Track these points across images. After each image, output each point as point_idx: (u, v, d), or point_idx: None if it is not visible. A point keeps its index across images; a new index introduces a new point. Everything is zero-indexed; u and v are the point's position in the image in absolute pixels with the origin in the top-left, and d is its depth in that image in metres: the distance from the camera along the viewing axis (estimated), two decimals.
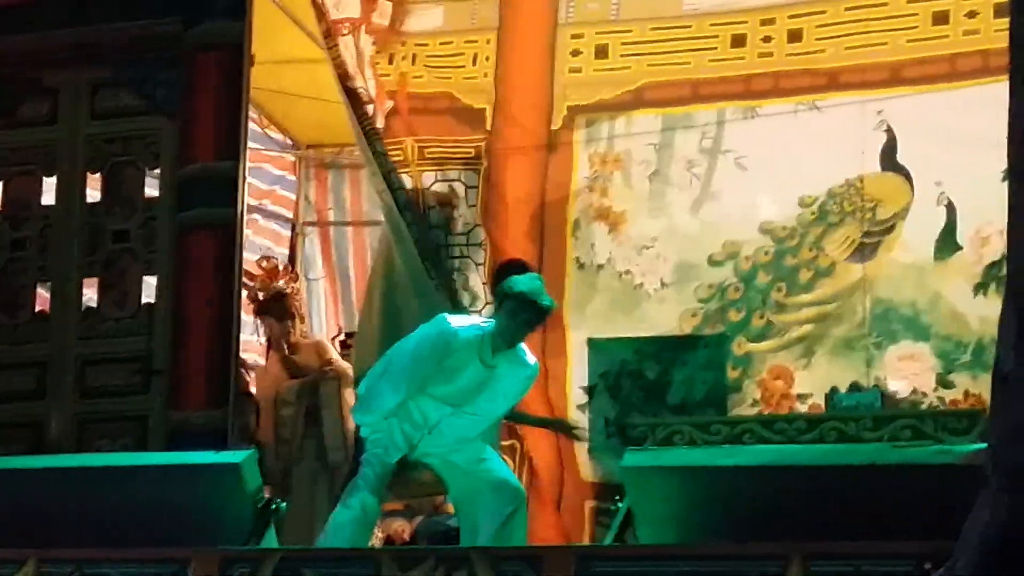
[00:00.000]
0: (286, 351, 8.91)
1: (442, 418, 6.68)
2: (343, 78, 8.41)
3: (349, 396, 8.86)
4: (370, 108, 8.45)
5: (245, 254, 8.49)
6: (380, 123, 8.50)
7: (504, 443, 8.08)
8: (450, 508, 8.28)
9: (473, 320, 6.98)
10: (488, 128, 8.55)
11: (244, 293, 8.76)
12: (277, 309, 8.97)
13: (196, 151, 8.21)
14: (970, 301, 7.77)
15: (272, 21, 8.70)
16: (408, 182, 8.50)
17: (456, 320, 6.77)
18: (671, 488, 5.79)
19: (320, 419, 8.76)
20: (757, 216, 8.19)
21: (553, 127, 8.50)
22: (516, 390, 6.89)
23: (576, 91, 8.51)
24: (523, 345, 6.79)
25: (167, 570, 5.72)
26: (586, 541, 7.84)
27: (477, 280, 8.46)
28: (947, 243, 7.87)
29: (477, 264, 8.48)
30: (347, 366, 9.00)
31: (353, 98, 8.42)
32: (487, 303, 8.28)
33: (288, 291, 9.13)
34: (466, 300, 8.42)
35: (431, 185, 8.56)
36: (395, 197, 8.39)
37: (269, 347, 9.20)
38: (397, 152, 8.51)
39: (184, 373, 8.04)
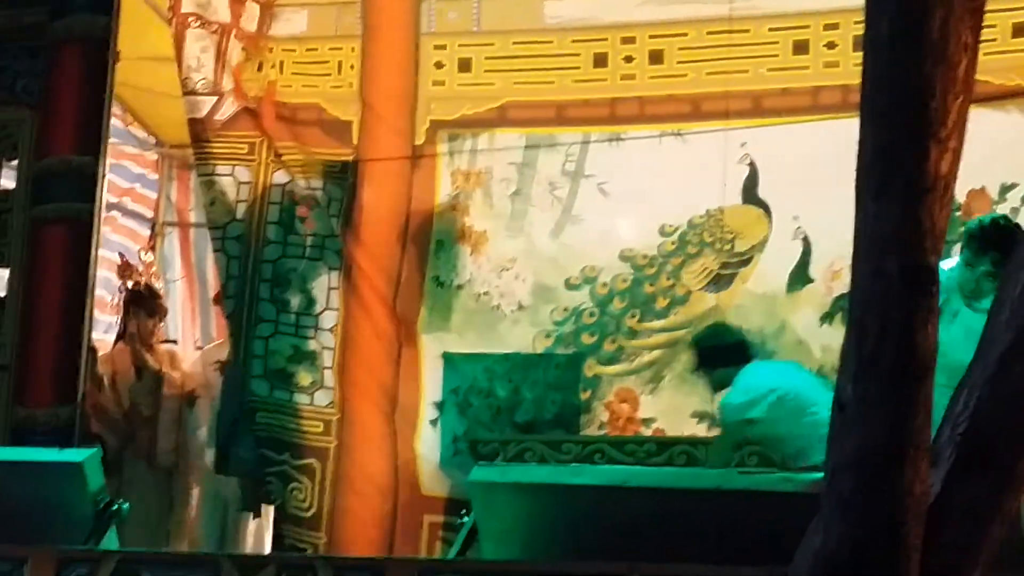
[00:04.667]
0: (138, 346, 8.92)
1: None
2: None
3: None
4: (209, 101, 8.40)
5: (102, 251, 8.40)
6: (226, 115, 8.43)
7: (300, 462, 8.14)
8: None
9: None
10: (355, 143, 8.47)
11: (122, 284, 8.95)
12: (149, 305, 8.98)
13: (56, 144, 8.08)
14: (815, 330, 7.87)
15: (139, 16, 8.59)
16: (247, 176, 8.47)
17: None
18: (517, 505, 5.80)
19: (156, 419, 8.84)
20: (618, 242, 8.22)
21: (417, 141, 8.44)
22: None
23: (440, 105, 8.45)
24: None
25: (2, 568, 5.62)
26: (424, 555, 7.86)
27: (324, 284, 8.37)
28: (799, 277, 7.97)
29: (331, 268, 8.40)
30: (204, 382, 9.06)
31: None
32: (325, 308, 8.29)
33: (162, 290, 9.19)
34: (301, 303, 8.39)
35: (285, 185, 8.49)
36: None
37: (121, 338, 9.14)
38: (242, 146, 8.46)
39: (32, 369, 7.91)
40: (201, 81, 8.40)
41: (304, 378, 8.23)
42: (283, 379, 8.29)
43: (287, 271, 8.37)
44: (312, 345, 8.29)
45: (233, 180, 8.46)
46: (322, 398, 8.25)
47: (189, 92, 8.43)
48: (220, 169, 8.45)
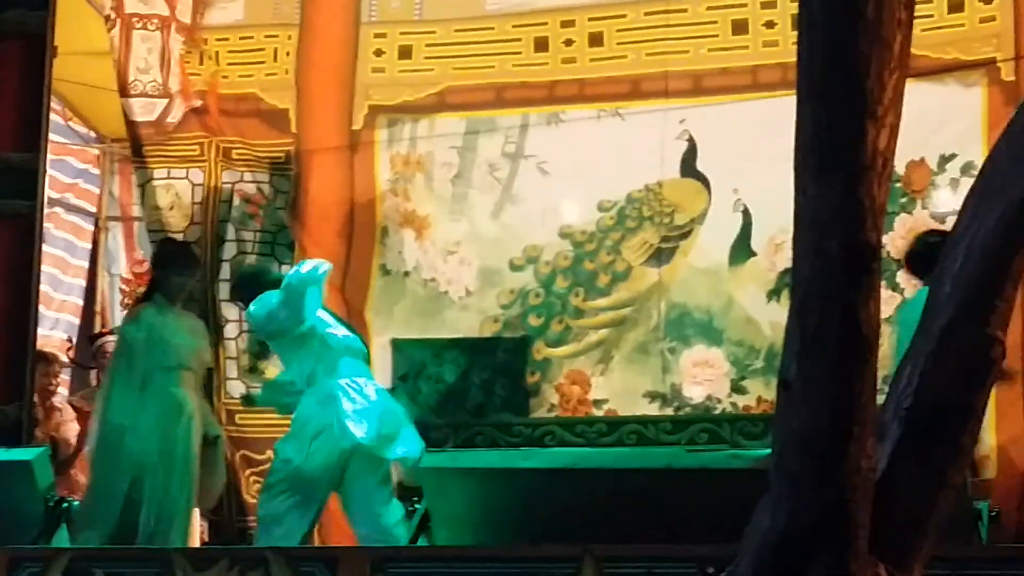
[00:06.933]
0: None
1: None
2: (119, 73, 8.39)
3: None
4: (160, 103, 8.36)
5: (46, 247, 8.36)
6: (176, 118, 8.41)
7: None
8: None
9: None
10: (294, 131, 8.48)
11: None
12: None
13: None
14: (763, 307, 7.92)
15: (76, 11, 8.54)
16: (201, 178, 8.43)
17: None
18: (468, 490, 5.83)
19: None
20: (557, 220, 8.26)
21: (354, 127, 8.44)
22: None
23: (379, 91, 8.46)
24: None
25: None
26: None
27: None
28: (741, 249, 8.02)
29: (282, 263, 8.34)
30: None
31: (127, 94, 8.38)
32: None
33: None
34: None
35: (235, 183, 8.47)
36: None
37: None
38: (194, 148, 8.42)
39: None
40: (151, 83, 8.40)
41: (273, 373, 8.18)
42: (257, 377, 8.24)
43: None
44: None
45: (188, 183, 8.47)
46: None
47: (138, 94, 8.41)
48: (175, 172, 8.44)
